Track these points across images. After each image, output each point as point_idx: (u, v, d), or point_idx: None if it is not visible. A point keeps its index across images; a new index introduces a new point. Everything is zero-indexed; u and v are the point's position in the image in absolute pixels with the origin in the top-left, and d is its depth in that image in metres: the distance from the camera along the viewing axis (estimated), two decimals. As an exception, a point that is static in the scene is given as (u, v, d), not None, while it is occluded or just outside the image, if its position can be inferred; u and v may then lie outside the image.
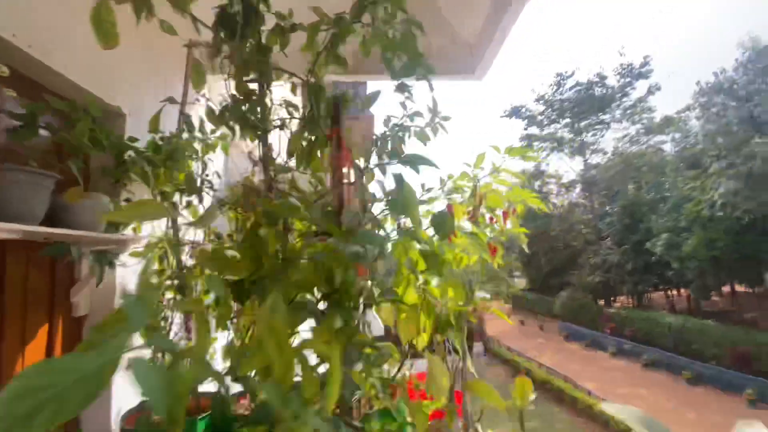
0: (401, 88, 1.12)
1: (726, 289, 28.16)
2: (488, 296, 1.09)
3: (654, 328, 23.63)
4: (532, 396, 0.84)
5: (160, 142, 1.18)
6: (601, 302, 32.98)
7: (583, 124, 37.66)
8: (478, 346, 27.06)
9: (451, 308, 0.94)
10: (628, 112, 36.05)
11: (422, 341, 1.30)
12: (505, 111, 41.81)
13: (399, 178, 0.72)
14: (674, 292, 32.40)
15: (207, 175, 1.24)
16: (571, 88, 37.24)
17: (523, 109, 40.59)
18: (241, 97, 1.23)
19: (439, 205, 1.40)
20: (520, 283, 47.41)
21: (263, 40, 1.23)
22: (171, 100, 0.98)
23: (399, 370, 1.43)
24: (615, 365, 22.55)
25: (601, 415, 14.92)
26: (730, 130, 21.16)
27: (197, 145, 1.63)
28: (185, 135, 1.51)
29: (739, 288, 27.37)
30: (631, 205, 29.58)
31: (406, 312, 0.90)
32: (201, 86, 0.97)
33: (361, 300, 0.64)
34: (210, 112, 1.13)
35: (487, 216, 1.46)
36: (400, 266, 0.82)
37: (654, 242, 24.25)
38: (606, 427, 14.66)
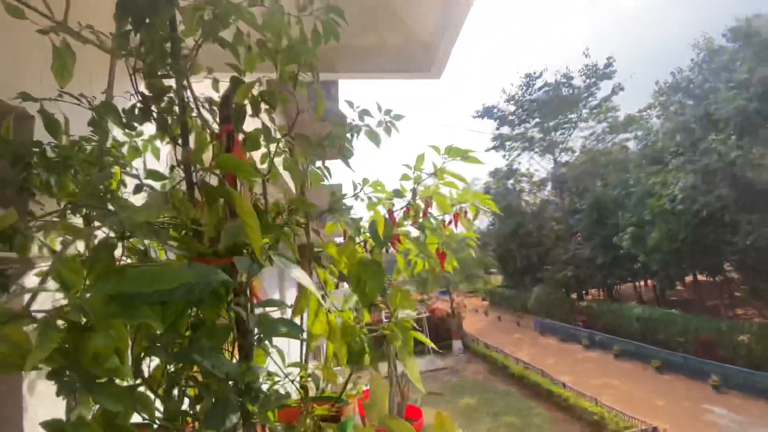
0: (290, 78, 1.00)
1: (689, 278, 29.49)
2: (413, 314, 1.00)
3: (623, 319, 24.47)
4: (457, 432, 0.76)
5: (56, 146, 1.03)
6: (574, 296, 33.91)
7: (552, 123, 38.67)
8: (457, 344, 27.26)
9: (363, 333, 0.84)
10: (594, 111, 37.29)
11: (367, 360, 1.20)
12: (477, 111, 42.46)
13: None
14: (641, 283, 33.71)
15: (108, 183, 1.09)
16: (540, 89, 38.20)
17: (495, 110, 41.34)
18: (152, 95, 1.09)
19: (382, 211, 1.29)
20: (496, 279, 48.24)
21: (177, 31, 1.10)
22: (25, 97, 0.83)
23: (344, 389, 1.31)
24: (588, 357, 23.18)
25: (576, 407, 15.25)
26: (688, 128, 22.16)
27: (125, 149, 1.47)
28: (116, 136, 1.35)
29: (701, 277, 28.71)
30: (599, 201, 30.59)
31: (314, 341, 0.79)
32: (65, 80, 0.83)
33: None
34: (110, 111, 0.98)
35: (432, 220, 1.36)
36: (304, 289, 0.71)
37: (621, 236, 25.12)
38: (580, 419, 14.99)
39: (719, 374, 16.69)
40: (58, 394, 0.37)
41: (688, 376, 18.17)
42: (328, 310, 0.84)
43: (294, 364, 1.02)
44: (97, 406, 0.45)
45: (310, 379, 1.03)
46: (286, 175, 1.65)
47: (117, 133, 1.34)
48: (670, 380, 18.45)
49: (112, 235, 0.58)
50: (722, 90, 20.18)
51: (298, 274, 0.58)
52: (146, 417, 0.58)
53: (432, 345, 1.16)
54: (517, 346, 26.53)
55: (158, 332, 0.57)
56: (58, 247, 1.28)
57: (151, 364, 0.92)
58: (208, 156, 1.15)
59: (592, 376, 19.84)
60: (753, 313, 23.85)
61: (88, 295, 0.36)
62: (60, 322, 0.38)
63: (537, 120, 39.41)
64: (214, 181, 0.99)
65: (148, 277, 0.37)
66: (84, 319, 0.37)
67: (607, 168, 33.07)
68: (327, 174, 1.62)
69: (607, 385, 18.66)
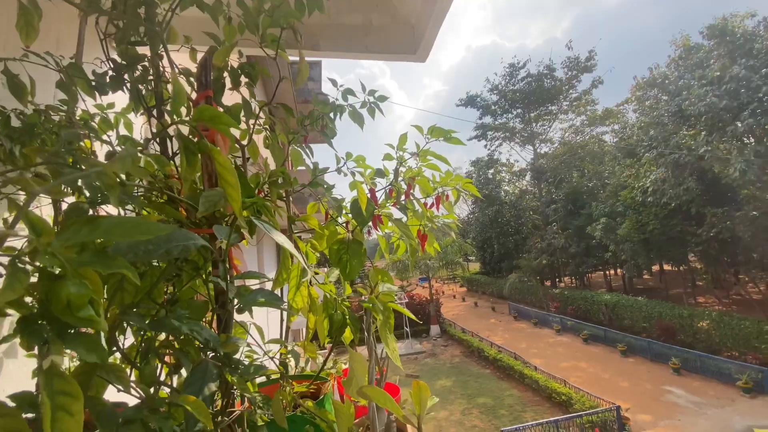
0: (272, 42, 0.97)
1: (655, 268, 30.78)
2: (395, 289, 1.01)
3: (592, 305, 25.44)
4: (433, 401, 0.77)
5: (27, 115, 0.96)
6: (548, 283, 34.94)
7: (533, 114, 39.11)
8: (435, 328, 27.79)
9: (345, 306, 0.84)
10: (574, 104, 37.88)
11: (347, 338, 1.20)
12: (461, 100, 42.45)
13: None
14: (611, 272, 35.00)
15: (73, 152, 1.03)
16: (522, 80, 38.41)
17: (478, 99, 41.43)
18: (124, 63, 1.04)
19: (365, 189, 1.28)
20: (474, 267, 49.15)
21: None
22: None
23: (323, 366, 1.32)
24: (559, 341, 24.05)
25: (546, 389, 15.88)
26: (662, 122, 22.81)
27: (95, 122, 1.41)
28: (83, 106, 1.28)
29: (667, 267, 30.03)
30: (574, 192, 31.37)
31: (295, 314, 0.79)
32: (31, 37, 0.78)
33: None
34: (76, 75, 0.92)
35: (414, 202, 1.36)
36: (285, 260, 0.70)
37: (594, 226, 25.90)
38: (549, 399, 15.64)
39: (679, 358, 17.63)
40: (27, 343, 0.36)
41: (651, 360, 19.14)
42: (310, 282, 0.83)
43: (274, 341, 1.02)
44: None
45: (289, 356, 1.03)
46: (267, 156, 1.62)
47: (88, 105, 1.28)
48: (634, 363, 19.38)
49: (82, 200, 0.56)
50: (695, 87, 20.79)
51: (281, 239, 0.57)
52: (120, 388, 0.56)
53: (412, 317, 1.17)
54: (493, 330, 27.27)
55: (132, 301, 0.55)
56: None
57: (125, 342, 0.90)
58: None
59: (562, 359, 20.64)
60: (713, 302, 25.21)
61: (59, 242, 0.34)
62: (30, 269, 0.36)
63: (519, 110, 39.78)
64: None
65: (125, 226, 0.35)
66: (55, 267, 0.35)
67: (583, 160, 33.87)
68: (309, 154, 1.59)
69: (575, 367, 19.47)
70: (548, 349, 22.65)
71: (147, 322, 0.50)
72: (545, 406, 15.52)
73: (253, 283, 0.89)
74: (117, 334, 0.69)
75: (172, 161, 0.94)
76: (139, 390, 0.59)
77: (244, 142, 1.20)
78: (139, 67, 1.06)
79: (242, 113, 1.19)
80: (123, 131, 1.39)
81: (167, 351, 0.57)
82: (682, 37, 24.77)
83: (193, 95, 1.11)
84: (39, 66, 1.03)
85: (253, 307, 0.73)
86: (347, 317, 0.86)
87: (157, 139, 0.98)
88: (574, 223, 29.87)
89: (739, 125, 17.75)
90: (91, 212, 0.54)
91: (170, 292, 0.67)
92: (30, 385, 1.45)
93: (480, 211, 41.75)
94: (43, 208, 1.37)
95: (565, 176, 34.37)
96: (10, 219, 1.15)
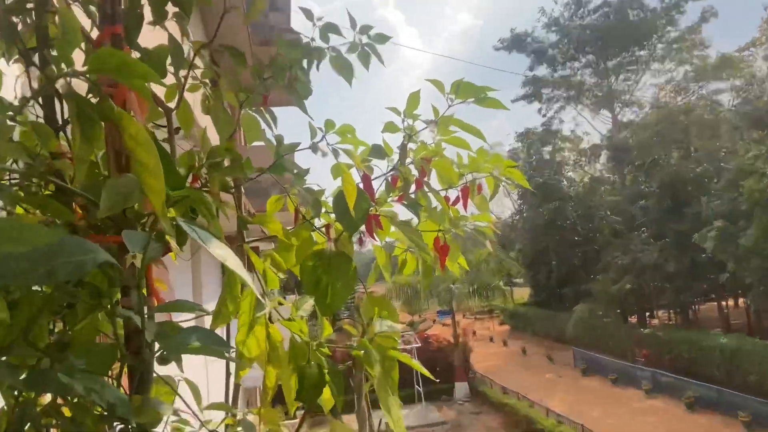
0: None
1: (797, 297, 30.78)
2: (397, 328, 1.01)
3: (701, 353, 25.41)
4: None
5: None
6: (633, 319, 34.95)
7: (611, 63, 39.11)
8: (462, 387, 27.83)
9: (323, 354, 0.84)
10: (674, 47, 37.85)
11: (327, 402, 1.21)
12: (502, 41, 42.46)
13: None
14: (730, 302, 34.97)
15: None
16: (595, 10, 38.43)
17: (529, 39, 41.44)
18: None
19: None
20: (521, 294, 49.20)
21: None
22: None
23: (291, 445, 1.32)
24: (650, 407, 24.08)
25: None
26: (807, 76, 22.80)
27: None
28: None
29: (814, 296, 30.01)
30: (674, 180, 31.33)
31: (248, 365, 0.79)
32: None
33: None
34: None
35: (431, 195, 1.37)
36: (231, 285, 0.70)
37: (704, 234, 25.87)
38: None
39: (832, 432, 17.63)
40: None
41: (790, 435, 19.16)
42: (269, 318, 0.83)
43: (215, 406, 1.02)
44: None
45: (239, 429, 1.03)
46: (206, 126, 1.62)
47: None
48: (763, 440, 19.41)
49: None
50: None
51: (221, 252, 0.56)
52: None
53: (426, 372, 1.17)
54: (549, 390, 27.31)
55: (0, 345, 0.55)
56: None
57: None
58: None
59: (654, 435, 20.69)
60: None
61: None
62: None
63: (590, 57, 39.80)
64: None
65: None
66: None
67: (688, 132, 33.86)
68: (270, 123, 1.59)
69: (675, 448, 19.51)
70: (634, 420, 22.69)
71: (23, 376, 0.50)
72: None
73: (184, 319, 0.89)
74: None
75: (62, 133, 0.94)
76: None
77: (172, 105, 1.20)
78: (14, -10, 1.07)
79: (169, 60, 1.19)
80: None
81: (52, 420, 0.57)
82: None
83: (95, 34, 1.12)
84: None
85: (183, 356, 0.73)
86: (326, 371, 0.86)
87: (40, 100, 0.99)
88: (673, 228, 29.88)
89: None
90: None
91: (59, 331, 0.67)
92: None
93: (530, 210, 41.84)
94: None
95: (660, 157, 34.37)
96: None
